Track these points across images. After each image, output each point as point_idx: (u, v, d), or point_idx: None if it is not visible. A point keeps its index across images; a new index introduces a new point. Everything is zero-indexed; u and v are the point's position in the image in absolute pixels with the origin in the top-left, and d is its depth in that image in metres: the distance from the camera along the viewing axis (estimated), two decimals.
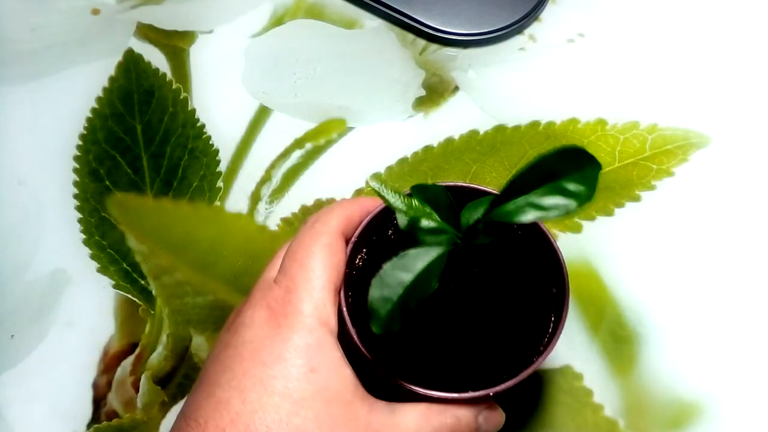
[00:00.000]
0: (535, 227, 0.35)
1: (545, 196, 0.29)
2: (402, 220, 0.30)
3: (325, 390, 0.30)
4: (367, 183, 0.32)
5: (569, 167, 0.28)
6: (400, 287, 0.29)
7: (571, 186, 0.28)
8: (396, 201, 0.31)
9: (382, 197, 0.31)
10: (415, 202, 0.31)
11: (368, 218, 0.35)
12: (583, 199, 0.28)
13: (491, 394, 0.32)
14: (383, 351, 0.33)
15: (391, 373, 0.32)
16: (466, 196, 0.35)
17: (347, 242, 0.34)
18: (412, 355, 0.34)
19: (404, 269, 0.29)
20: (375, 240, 0.36)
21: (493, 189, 0.35)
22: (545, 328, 0.34)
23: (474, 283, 0.35)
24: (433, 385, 0.32)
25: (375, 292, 0.29)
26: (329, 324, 0.31)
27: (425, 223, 0.31)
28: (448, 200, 0.31)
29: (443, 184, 0.34)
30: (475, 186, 0.36)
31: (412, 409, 0.31)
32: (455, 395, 0.32)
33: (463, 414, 0.32)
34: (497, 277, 0.35)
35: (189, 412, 0.31)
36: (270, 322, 0.31)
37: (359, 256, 0.36)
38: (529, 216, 0.28)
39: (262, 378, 0.30)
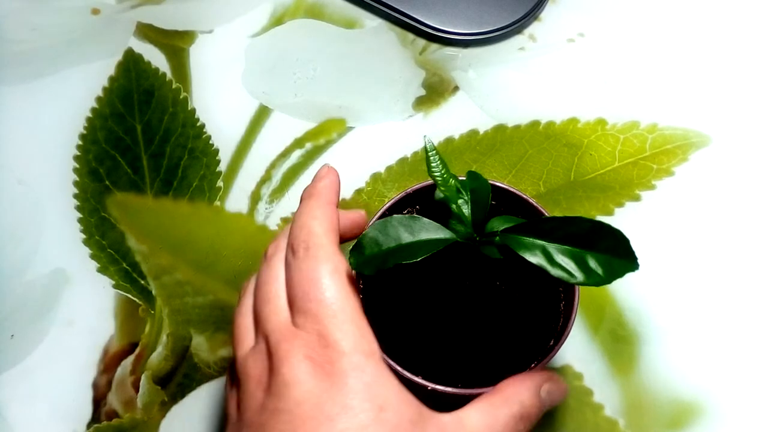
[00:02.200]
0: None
1: (562, 254, 0.29)
2: (438, 193, 0.32)
3: (398, 423, 0.28)
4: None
5: (604, 246, 0.28)
6: (394, 242, 0.30)
7: (592, 263, 0.28)
8: (439, 174, 0.31)
9: (429, 166, 0.31)
10: (453, 183, 0.31)
11: (418, 186, 0.35)
12: (593, 280, 0.28)
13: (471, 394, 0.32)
14: (389, 333, 0.33)
15: (387, 353, 0.32)
16: (516, 204, 0.35)
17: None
18: (413, 344, 0.34)
19: (409, 230, 0.30)
20: (419, 208, 0.36)
21: (545, 211, 0.35)
22: (549, 337, 0.34)
23: (486, 283, 0.35)
24: (424, 376, 0.32)
25: (372, 232, 0.30)
26: (374, 352, 0.30)
27: (454, 207, 0.31)
28: (487, 200, 0.32)
29: (498, 184, 0.35)
30: (532, 202, 0.35)
31: (475, 410, 0.30)
32: (441, 388, 0.32)
33: (527, 397, 0.31)
34: (510, 279, 0.35)
35: None
36: (317, 374, 0.29)
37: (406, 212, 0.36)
38: (533, 258, 0.29)
39: None
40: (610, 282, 0.28)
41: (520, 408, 0.30)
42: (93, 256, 0.47)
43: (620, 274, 0.28)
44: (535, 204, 0.35)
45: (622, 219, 0.46)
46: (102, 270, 0.46)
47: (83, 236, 0.47)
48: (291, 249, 0.32)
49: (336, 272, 0.30)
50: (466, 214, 0.31)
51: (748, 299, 0.44)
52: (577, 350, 0.43)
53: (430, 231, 0.30)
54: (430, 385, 0.31)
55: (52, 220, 0.48)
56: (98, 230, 0.47)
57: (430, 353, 0.34)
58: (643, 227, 0.46)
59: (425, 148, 0.32)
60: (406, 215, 0.30)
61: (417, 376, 0.32)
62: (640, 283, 0.44)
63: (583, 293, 0.44)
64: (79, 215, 0.48)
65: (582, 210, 0.46)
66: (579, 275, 0.28)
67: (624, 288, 0.44)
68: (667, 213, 0.46)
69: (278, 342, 0.30)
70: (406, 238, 0.30)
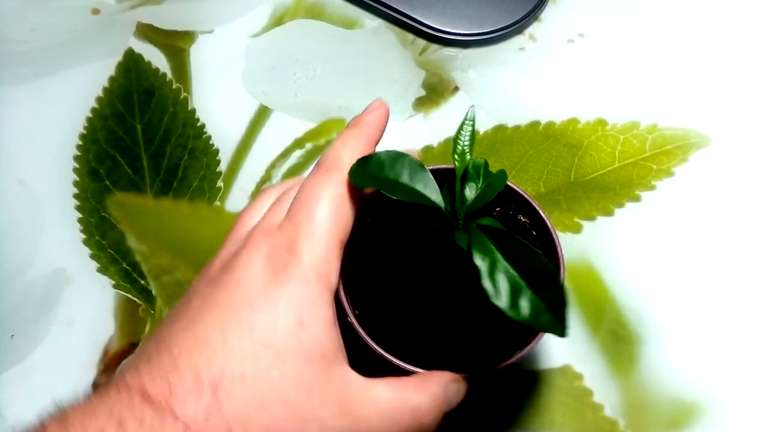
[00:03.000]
0: (541, 221, 0.35)
1: (504, 274, 0.28)
2: (456, 163, 0.33)
3: (310, 348, 0.29)
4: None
5: (545, 295, 0.27)
6: (393, 175, 0.31)
7: (524, 300, 0.27)
8: (461, 144, 0.33)
9: (458, 133, 0.33)
10: (470, 160, 0.32)
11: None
12: (512, 313, 0.27)
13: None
14: (370, 310, 0.33)
15: (360, 324, 0.32)
16: (524, 206, 0.36)
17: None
18: (392, 322, 0.34)
19: (411, 175, 0.31)
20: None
21: (551, 228, 0.35)
22: (525, 339, 0.33)
23: (467, 274, 0.35)
24: (396, 354, 0.32)
25: (384, 156, 0.31)
26: (329, 280, 0.30)
27: (462, 184, 0.32)
28: (492, 197, 0.32)
29: (515, 187, 0.36)
30: (537, 208, 0.35)
31: (387, 386, 0.30)
32: (410, 367, 0.32)
33: (437, 391, 0.31)
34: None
35: (161, 339, 0.29)
36: (267, 269, 0.30)
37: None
38: (478, 260, 0.28)
39: (249, 322, 0.28)
40: (528, 324, 0.27)
41: (429, 399, 0.31)
42: (93, 256, 0.47)
43: (542, 329, 0.27)
44: (544, 217, 0.35)
45: (622, 219, 0.46)
46: (102, 270, 0.46)
47: (83, 236, 0.47)
48: (316, 165, 0.32)
49: (339, 199, 0.31)
50: (468, 197, 0.32)
51: (748, 299, 0.44)
52: (577, 350, 0.43)
53: (426, 186, 0.31)
54: (365, 336, 0.32)
55: (52, 220, 0.48)
56: (98, 230, 0.47)
57: (399, 329, 0.34)
58: (643, 227, 0.46)
59: (467, 115, 0.32)
60: (419, 162, 0.31)
61: (381, 348, 0.32)
62: (640, 283, 0.44)
63: (582, 293, 0.44)
64: (79, 215, 0.48)
65: (582, 210, 0.46)
66: (504, 300, 0.27)
67: (624, 288, 0.44)
68: (667, 213, 0.46)
69: (255, 234, 0.31)
70: (404, 178, 0.31)
